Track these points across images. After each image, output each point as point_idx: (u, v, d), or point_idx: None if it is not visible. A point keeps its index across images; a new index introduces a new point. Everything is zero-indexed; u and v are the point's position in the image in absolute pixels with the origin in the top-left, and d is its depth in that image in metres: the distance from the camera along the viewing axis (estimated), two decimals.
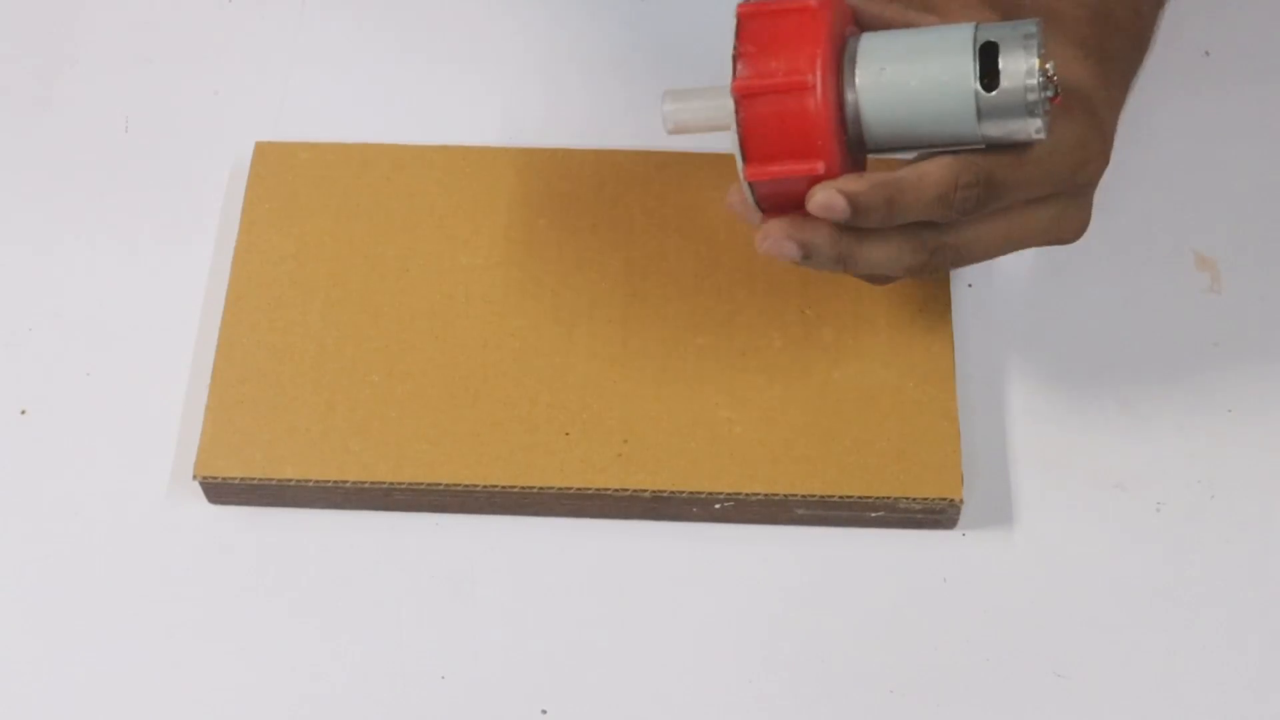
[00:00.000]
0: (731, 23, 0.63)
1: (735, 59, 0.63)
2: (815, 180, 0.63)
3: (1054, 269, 0.78)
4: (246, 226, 0.77)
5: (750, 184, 0.63)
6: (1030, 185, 0.63)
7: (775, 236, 0.64)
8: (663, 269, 0.76)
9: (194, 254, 0.79)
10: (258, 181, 0.78)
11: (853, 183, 0.62)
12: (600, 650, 0.70)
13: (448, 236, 0.77)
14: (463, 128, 0.82)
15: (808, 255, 0.64)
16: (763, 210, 0.65)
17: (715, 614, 0.71)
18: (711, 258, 0.76)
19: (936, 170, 0.62)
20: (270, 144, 0.79)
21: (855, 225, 0.63)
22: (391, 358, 0.74)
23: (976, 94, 0.61)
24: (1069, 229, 0.66)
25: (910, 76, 0.62)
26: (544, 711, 0.69)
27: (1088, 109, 0.65)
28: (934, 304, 0.75)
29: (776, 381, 0.73)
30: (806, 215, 0.63)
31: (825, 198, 0.62)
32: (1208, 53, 0.84)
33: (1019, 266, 0.78)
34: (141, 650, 0.70)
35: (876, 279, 0.69)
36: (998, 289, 0.77)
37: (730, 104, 0.63)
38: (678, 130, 0.66)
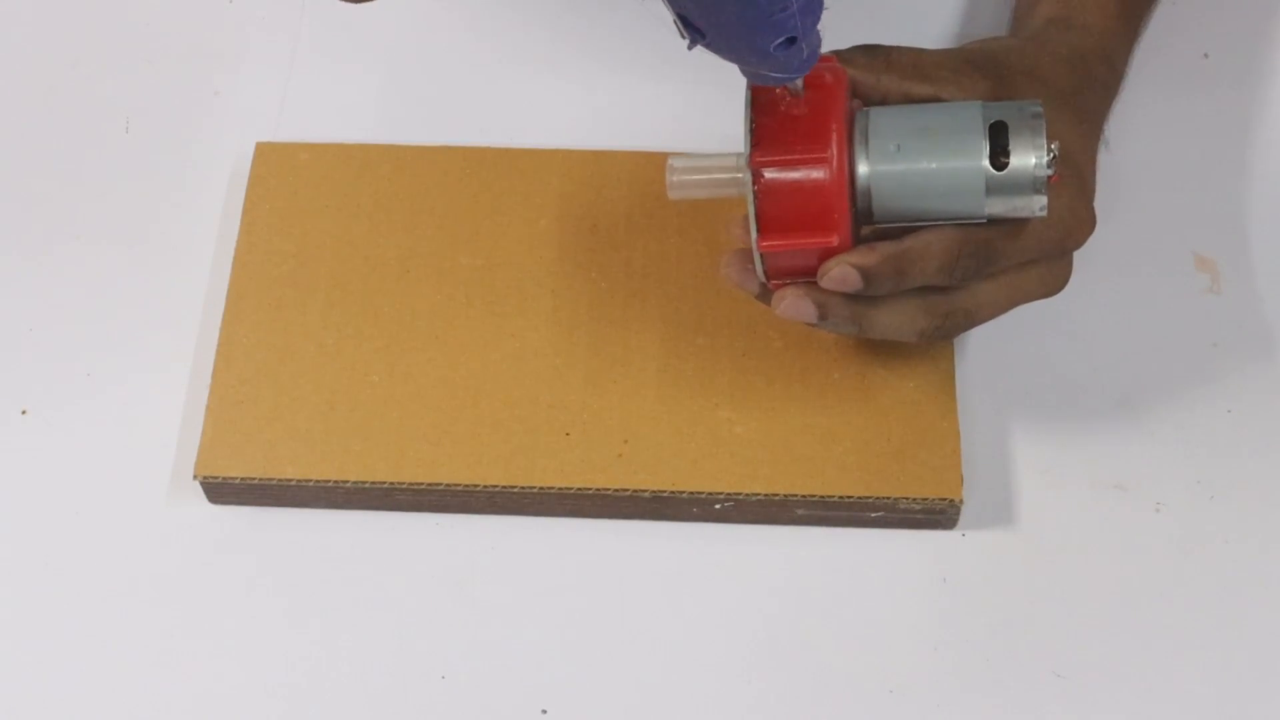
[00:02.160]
0: (744, 93, 0.64)
1: (750, 130, 0.63)
2: (828, 252, 0.64)
3: None
4: (247, 227, 0.77)
5: (761, 254, 0.64)
6: (1024, 253, 0.66)
7: (793, 297, 0.66)
8: (663, 269, 0.76)
9: (194, 254, 0.78)
10: (258, 182, 0.78)
11: (864, 256, 0.64)
12: (600, 650, 0.70)
13: (448, 236, 0.77)
14: (463, 128, 0.82)
15: (824, 316, 0.66)
16: (769, 279, 0.66)
17: (715, 614, 0.71)
18: (711, 258, 0.76)
19: (940, 241, 0.64)
20: (270, 144, 0.79)
21: (865, 294, 0.65)
22: (391, 358, 0.74)
23: (987, 173, 0.62)
24: (1056, 284, 0.69)
25: (922, 155, 0.63)
26: (544, 711, 0.69)
27: (1076, 173, 0.68)
28: None
29: (776, 381, 0.73)
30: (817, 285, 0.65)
31: (840, 273, 0.64)
32: (1206, 55, 0.84)
33: None
34: (141, 650, 0.70)
35: (892, 341, 0.70)
36: None
37: (741, 175, 0.63)
38: (682, 197, 0.67)
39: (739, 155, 0.64)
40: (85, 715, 0.69)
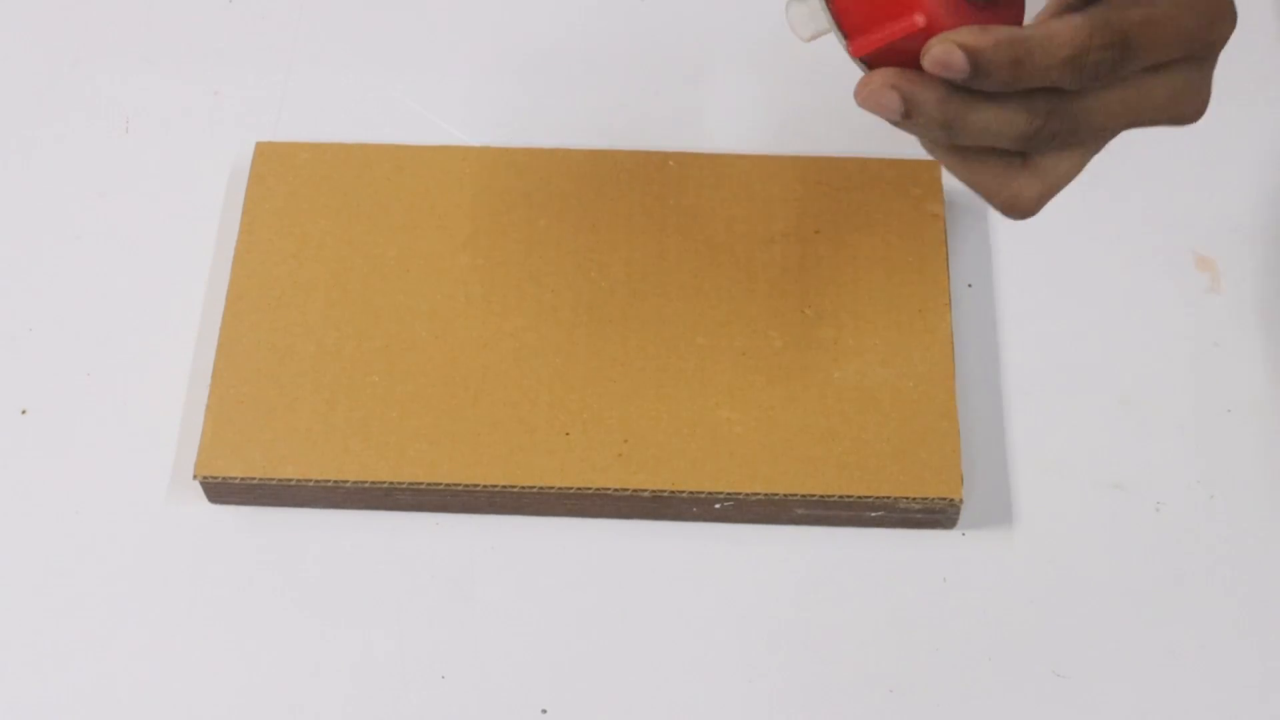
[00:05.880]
0: None
1: None
2: (924, 38, 0.54)
3: (1054, 268, 0.78)
4: (246, 226, 0.77)
5: (863, 62, 0.56)
6: (1162, 46, 0.56)
7: (876, 84, 0.55)
8: (663, 269, 0.76)
9: (194, 254, 0.79)
10: (258, 182, 0.78)
11: (974, 36, 0.53)
12: (600, 650, 0.70)
13: (448, 236, 0.77)
14: (463, 128, 0.82)
15: (909, 113, 0.55)
16: None
17: (715, 614, 0.71)
18: (711, 258, 0.76)
19: (1068, 29, 0.54)
20: (270, 144, 0.79)
21: (972, 87, 0.54)
22: (391, 358, 0.74)
23: None
24: (1190, 105, 0.58)
25: None
26: (544, 711, 0.69)
27: None
28: (933, 304, 0.75)
29: (776, 381, 0.73)
30: (919, 71, 0.55)
31: (942, 51, 0.53)
32: None
33: (1018, 266, 0.78)
34: (141, 650, 0.70)
35: (974, 151, 0.58)
36: (998, 289, 0.78)
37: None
38: (810, 35, 0.57)
39: None
40: (85, 715, 0.69)
